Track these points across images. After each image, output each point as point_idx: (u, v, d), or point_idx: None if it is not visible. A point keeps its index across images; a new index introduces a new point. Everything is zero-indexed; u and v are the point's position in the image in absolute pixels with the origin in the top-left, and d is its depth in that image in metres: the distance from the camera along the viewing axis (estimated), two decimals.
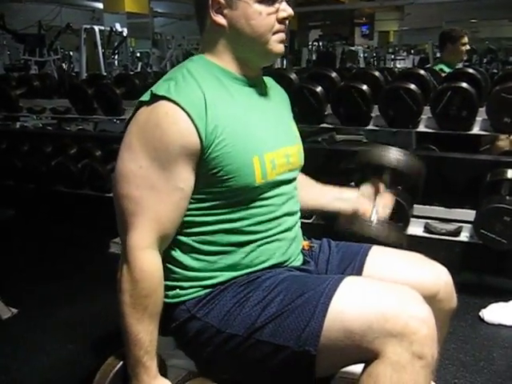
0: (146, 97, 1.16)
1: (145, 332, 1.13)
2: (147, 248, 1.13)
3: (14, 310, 2.48)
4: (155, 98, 1.13)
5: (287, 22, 1.23)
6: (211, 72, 1.22)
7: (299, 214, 1.37)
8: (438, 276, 1.32)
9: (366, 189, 1.49)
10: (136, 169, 1.12)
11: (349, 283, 1.13)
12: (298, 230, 1.36)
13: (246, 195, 1.20)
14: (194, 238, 1.21)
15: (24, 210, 3.91)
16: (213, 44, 1.24)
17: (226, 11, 1.18)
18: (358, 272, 1.34)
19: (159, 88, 1.15)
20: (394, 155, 1.44)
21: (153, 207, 1.12)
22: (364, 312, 1.06)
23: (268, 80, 1.39)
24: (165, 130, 1.11)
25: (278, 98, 1.40)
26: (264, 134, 1.23)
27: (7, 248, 3.29)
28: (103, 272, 2.89)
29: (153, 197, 1.12)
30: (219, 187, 1.17)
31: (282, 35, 1.23)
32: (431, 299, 1.25)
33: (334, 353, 1.09)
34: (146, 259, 1.12)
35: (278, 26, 1.21)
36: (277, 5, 1.19)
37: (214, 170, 1.15)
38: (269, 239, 1.24)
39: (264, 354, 1.13)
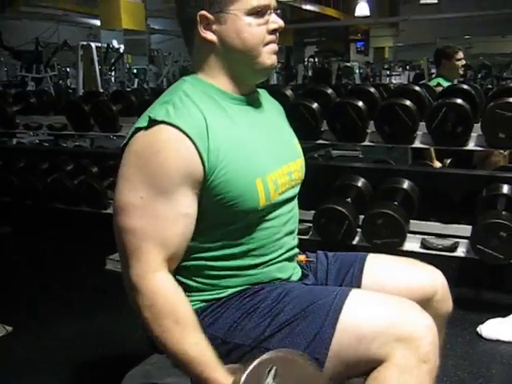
0: (142, 122, 1.11)
1: (189, 346, 1.06)
2: (154, 272, 1.08)
3: (9, 328, 2.45)
4: (154, 123, 1.09)
5: (277, 33, 1.21)
6: (207, 93, 1.18)
7: (297, 231, 1.37)
8: (434, 278, 1.35)
9: None
10: (136, 200, 1.07)
11: (357, 295, 1.16)
12: (296, 245, 1.36)
13: (250, 219, 1.18)
14: (195, 262, 1.20)
15: (20, 226, 3.90)
16: (204, 62, 1.21)
17: (214, 27, 1.16)
18: (357, 279, 1.35)
19: (157, 112, 1.10)
20: None
21: (157, 236, 1.08)
22: (373, 320, 1.09)
23: (262, 92, 1.37)
24: (167, 157, 1.06)
25: (275, 111, 1.39)
26: (266, 155, 1.20)
27: (3, 265, 3.26)
28: (100, 289, 2.90)
29: (157, 226, 1.08)
30: (222, 212, 1.15)
31: (273, 46, 1.20)
32: (429, 301, 1.30)
33: (343, 361, 1.10)
34: (154, 282, 1.08)
35: (268, 37, 1.18)
36: (266, 17, 1.17)
37: (218, 197, 1.12)
38: (271, 262, 1.24)
39: None
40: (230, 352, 1.16)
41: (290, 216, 1.30)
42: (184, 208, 1.10)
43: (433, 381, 1.08)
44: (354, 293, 1.16)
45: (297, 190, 1.33)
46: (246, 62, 1.19)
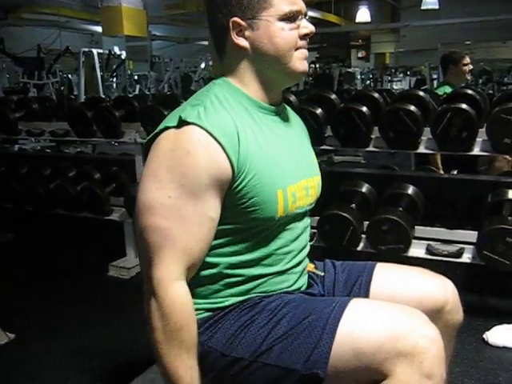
0: (172, 122, 1.10)
1: (184, 368, 1.09)
2: (176, 280, 1.08)
3: (11, 336, 2.44)
4: (184, 123, 1.08)
5: (308, 39, 1.21)
6: (237, 100, 1.18)
7: (309, 247, 1.36)
8: (444, 288, 1.32)
9: None
10: (164, 199, 1.06)
11: (356, 305, 1.13)
12: (306, 262, 1.35)
13: (265, 228, 1.18)
14: (208, 270, 1.18)
15: (23, 233, 3.89)
16: (235, 67, 1.21)
17: (247, 33, 1.16)
18: (365, 289, 1.33)
19: (188, 114, 1.09)
20: None
21: (182, 238, 1.07)
22: (374, 332, 1.06)
23: (287, 107, 1.37)
24: (197, 158, 1.06)
25: (298, 125, 1.40)
26: (288, 166, 1.21)
27: (6, 272, 3.25)
28: (102, 296, 2.89)
29: (182, 227, 1.07)
30: (242, 217, 1.14)
31: (304, 52, 1.21)
32: (440, 311, 1.27)
33: (343, 375, 1.08)
34: (176, 292, 1.07)
35: (300, 43, 1.19)
36: (298, 22, 1.18)
37: (240, 201, 1.12)
38: (279, 273, 1.23)
39: (271, 378, 1.12)
40: (230, 366, 1.14)
41: (303, 231, 1.30)
42: (210, 211, 1.09)
43: None
44: (353, 303, 1.13)
45: (312, 206, 1.32)
46: (277, 67, 1.19)
